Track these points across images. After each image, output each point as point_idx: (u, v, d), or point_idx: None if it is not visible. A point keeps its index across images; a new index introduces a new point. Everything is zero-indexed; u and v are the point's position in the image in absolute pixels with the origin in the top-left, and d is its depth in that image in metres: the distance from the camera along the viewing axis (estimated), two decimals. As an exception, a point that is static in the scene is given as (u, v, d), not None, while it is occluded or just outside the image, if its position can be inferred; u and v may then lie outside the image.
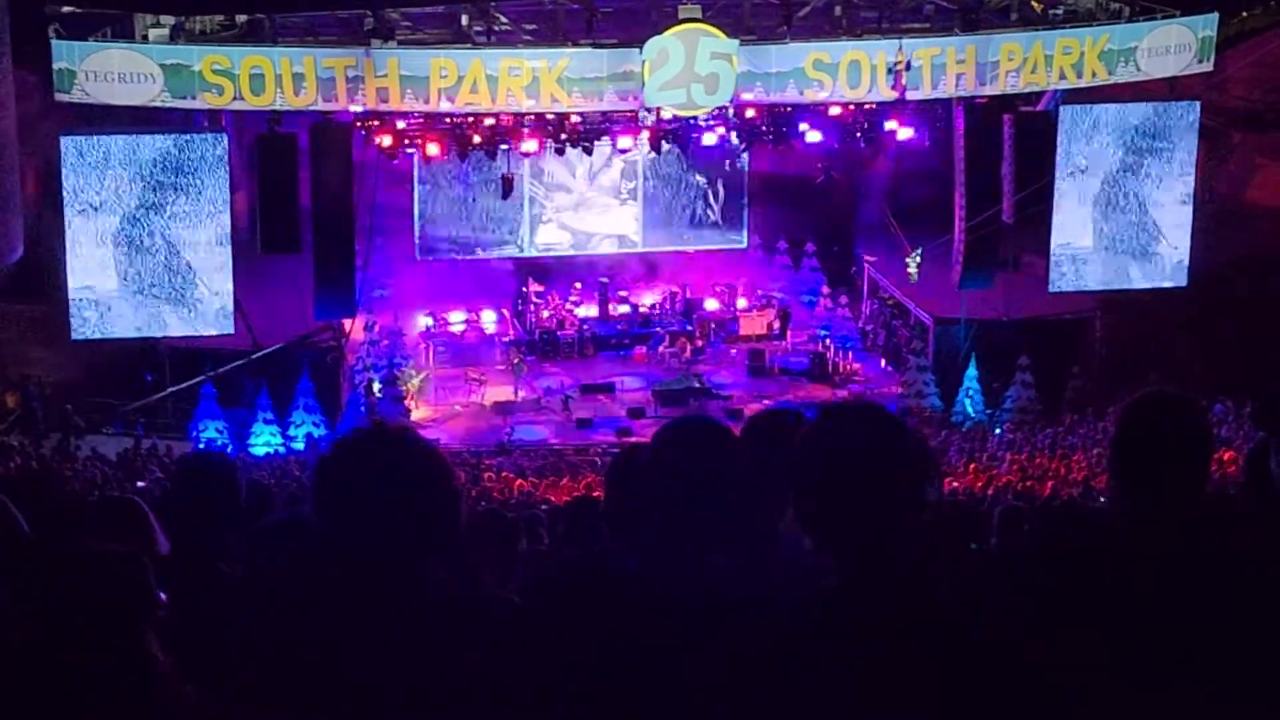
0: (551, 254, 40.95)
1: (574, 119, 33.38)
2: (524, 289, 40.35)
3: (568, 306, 40.20)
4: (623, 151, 37.38)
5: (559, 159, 37.37)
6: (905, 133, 35.64)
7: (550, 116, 33.00)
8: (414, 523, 3.34)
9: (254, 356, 33.37)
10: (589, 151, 35.59)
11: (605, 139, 34.97)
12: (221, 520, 6.09)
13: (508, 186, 36.64)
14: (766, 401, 36.90)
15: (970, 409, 35.79)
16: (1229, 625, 4.00)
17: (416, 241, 40.01)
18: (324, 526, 3.47)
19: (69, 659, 3.89)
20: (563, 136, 33.94)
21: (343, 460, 3.46)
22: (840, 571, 3.49)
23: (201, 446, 32.98)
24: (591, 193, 40.78)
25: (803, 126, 34.89)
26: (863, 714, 3.28)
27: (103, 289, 31.62)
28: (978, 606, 3.46)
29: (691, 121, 33.91)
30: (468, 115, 32.50)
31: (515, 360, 37.37)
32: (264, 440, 33.68)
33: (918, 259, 36.88)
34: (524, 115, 32.69)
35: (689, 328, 39.90)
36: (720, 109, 33.07)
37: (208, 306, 32.20)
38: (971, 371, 35.89)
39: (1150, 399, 4.35)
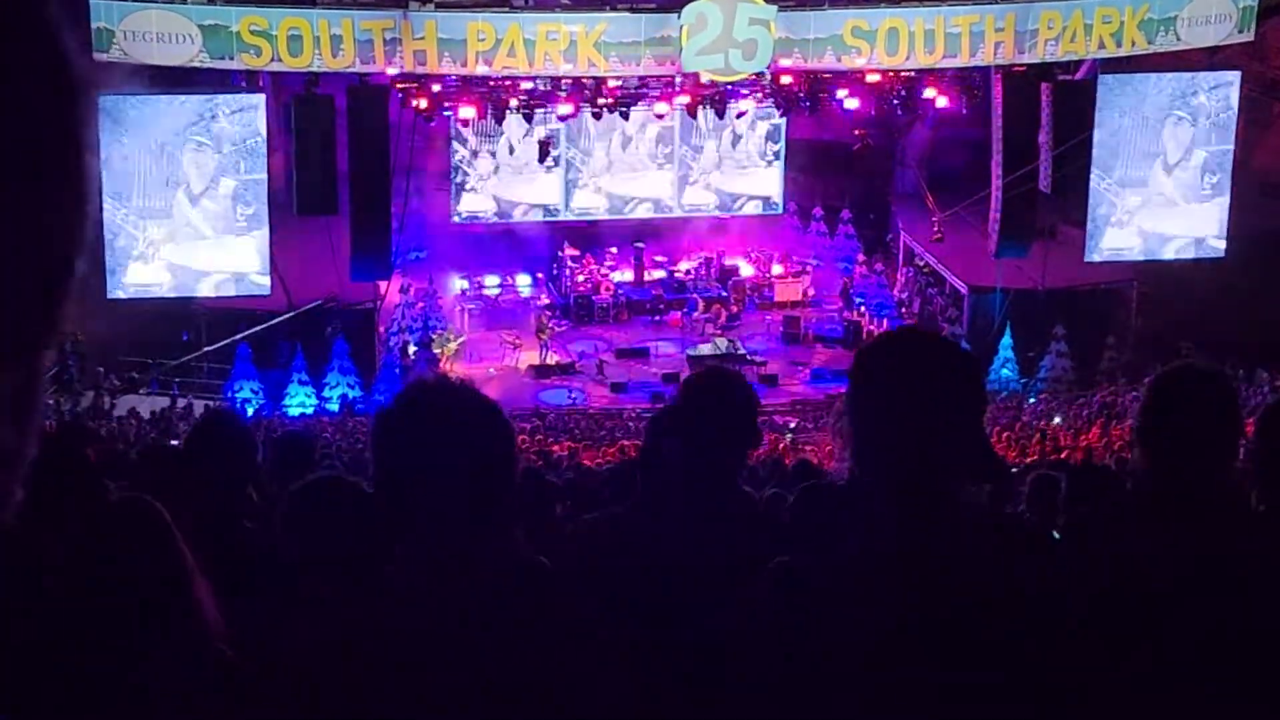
0: (587, 218, 40.96)
1: (611, 83, 33.31)
2: (559, 253, 40.39)
3: (603, 271, 40.24)
4: (659, 116, 37.28)
5: (596, 123, 37.28)
6: (943, 101, 35.48)
7: (587, 81, 32.96)
8: (473, 479, 3.32)
9: (274, 321, 33.43)
10: (626, 116, 35.52)
11: (642, 104, 34.91)
12: (241, 476, 6.13)
13: (544, 151, 36.64)
14: (801, 368, 36.97)
15: (1006, 377, 35.74)
16: (1237, 610, 4.00)
17: (452, 204, 40.07)
18: (381, 479, 3.46)
19: (94, 615, 3.93)
20: (599, 101, 33.89)
21: (405, 412, 3.45)
22: (891, 511, 3.41)
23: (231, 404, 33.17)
24: (627, 157, 40.78)
25: (840, 93, 34.77)
26: (908, 661, 3.27)
27: (139, 248, 31.76)
28: (999, 571, 3.43)
29: (728, 87, 33.82)
30: (505, 79, 32.48)
31: (540, 324, 37.42)
32: (299, 401, 33.79)
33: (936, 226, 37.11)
34: (561, 79, 32.67)
35: (724, 293, 39.90)
36: (757, 75, 32.99)
37: (243, 267, 32.32)
38: (1006, 340, 35.82)
39: (1180, 372, 4.34)
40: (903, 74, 34.16)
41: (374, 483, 3.57)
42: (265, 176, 32.24)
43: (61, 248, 1.13)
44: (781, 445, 27.67)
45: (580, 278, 39.90)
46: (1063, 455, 23.87)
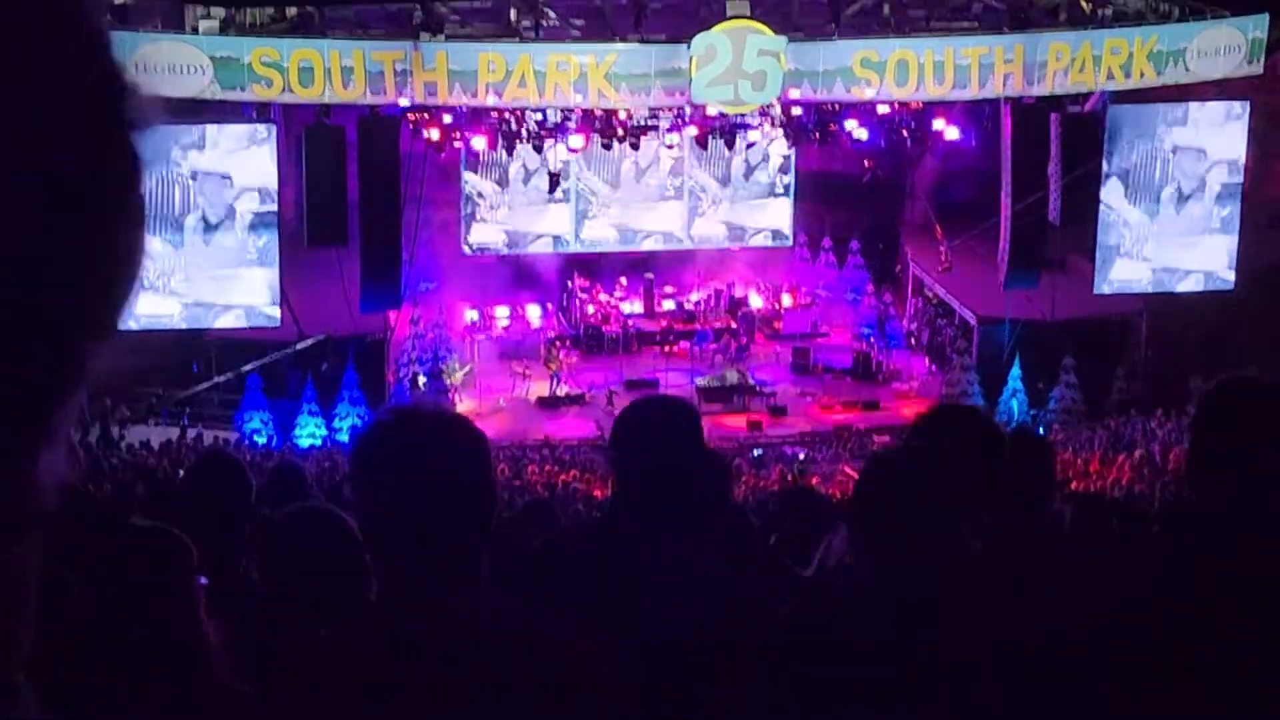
0: (597, 249, 40.99)
1: (621, 115, 33.40)
2: (569, 284, 40.43)
3: (613, 302, 40.27)
4: (669, 148, 37.33)
5: (606, 154, 37.36)
6: (952, 132, 35.56)
7: (598, 112, 33.04)
8: (454, 504, 3.30)
9: (280, 353, 33.45)
10: (636, 147, 35.59)
11: (652, 135, 34.99)
12: (235, 513, 6.16)
13: (554, 182, 36.70)
14: (808, 398, 36.93)
15: (1016, 409, 35.69)
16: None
17: (463, 235, 40.12)
18: (360, 506, 3.46)
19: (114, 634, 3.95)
20: (609, 132, 33.97)
21: (382, 436, 3.44)
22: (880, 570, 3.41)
23: (245, 439, 33.18)
24: (638, 189, 40.83)
25: (849, 124, 34.86)
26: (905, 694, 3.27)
27: (150, 279, 31.77)
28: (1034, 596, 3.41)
29: (738, 118, 33.91)
30: (515, 110, 32.56)
31: (548, 356, 37.40)
32: (309, 432, 33.80)
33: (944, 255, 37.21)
34: (571, 110, 32.76)
35: (733, 324, 39.91)
36: (767, 106, 33.06)
37: (255, 299, 32.36)
38: (1015, 371, 35.79)
39: (1241, 385, 4.13)
40: (912, 105, 34.24)
41: (353, 511, 3.57)
42: (276, 208, 32.29)
43: (126, 264, 1.13)
44: (790, 476, 27.67)
45: (590, 309, 39.95)
46: (1072, 487, 23.85)
